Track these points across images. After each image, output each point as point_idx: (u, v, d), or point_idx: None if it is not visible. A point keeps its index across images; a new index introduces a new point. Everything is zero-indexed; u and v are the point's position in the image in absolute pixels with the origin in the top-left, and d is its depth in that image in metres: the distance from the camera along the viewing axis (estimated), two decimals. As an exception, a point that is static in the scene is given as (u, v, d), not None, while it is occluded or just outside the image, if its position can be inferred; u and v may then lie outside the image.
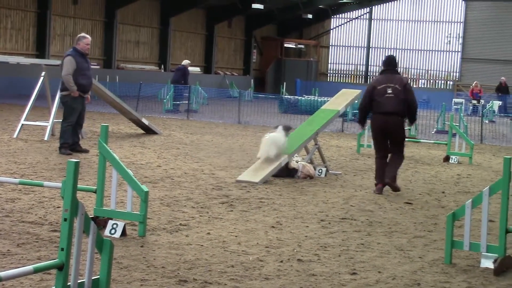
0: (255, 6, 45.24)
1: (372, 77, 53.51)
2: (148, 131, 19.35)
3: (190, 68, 45.64)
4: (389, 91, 11.46)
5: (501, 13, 48.43)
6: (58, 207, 8.79)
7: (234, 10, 47.70)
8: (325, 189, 11.76)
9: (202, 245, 7.46)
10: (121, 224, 7.63)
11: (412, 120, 11.94)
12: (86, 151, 14.36)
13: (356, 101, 21.76)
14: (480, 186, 12.81)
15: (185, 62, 32.15)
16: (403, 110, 11.56)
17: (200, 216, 8.98)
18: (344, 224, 9.00)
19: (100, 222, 7.70)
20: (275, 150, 12.41)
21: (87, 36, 14.36)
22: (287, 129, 12.86)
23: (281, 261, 7.03)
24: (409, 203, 10.81)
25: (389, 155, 11.77)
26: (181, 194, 10.43)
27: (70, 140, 14.27)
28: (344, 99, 14.47)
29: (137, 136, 18.63)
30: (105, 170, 7.84)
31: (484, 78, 46.87)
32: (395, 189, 11.57)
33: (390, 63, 11.87)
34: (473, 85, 41.84)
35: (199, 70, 46.58)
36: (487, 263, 7.16)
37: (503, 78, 42.64)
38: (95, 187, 7.95)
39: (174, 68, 34.29)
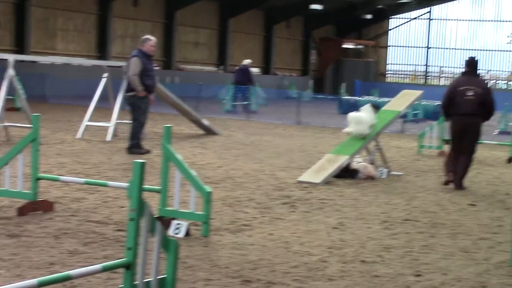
0: (313, 6, 45.18)
1: (442, 77, 53.01)
2: (209, 131, 19.47)
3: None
4: (469, 93, 11.80)
5: None
6: (122, 207, 8.91)
7: (293, 11, 47.72)
8: (386, 190, 11.69)
9: (265, 245, 7.48)
10: (185, 224, 7.69)
11: (487, 120, 12.05)
12: (148, 152, 14.52)
13: (417, 102, 21.61)
14: (545, 188, 12.61)
15: (247, 61, 32.00)
16: (482, 112, 11.88)
17: (262, 216, 9.00)
18: (407, 226, 8.93)
19: (164, 222, 7.77)
20: (362, 127, 12.93)
21: (152, 38, 14.51)
22: (375, 107, 13.37)
23: (345, 262, 7.01)
24: (473, 205, 10.67)
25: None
26: (242, 194, 10.47)
27: (139, 140, 14.51)
28: (405, 100, 14.36)
29: (197, 136, 18.76)
30: (169, 170, 7.92)
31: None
32: (459, 188, 11.97)
33: (471, 65, 12.13)
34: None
35: (258, 71, 46.71)
36: (555, 266, 7.02)
37: None
38: (159, 187, 8.03)
39: (234, 69, 34.26)
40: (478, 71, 12.24)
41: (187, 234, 7.65)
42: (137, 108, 14.40)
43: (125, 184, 8.32)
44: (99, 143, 15.96)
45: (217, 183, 11.35)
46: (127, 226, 4.75)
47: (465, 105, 11.77)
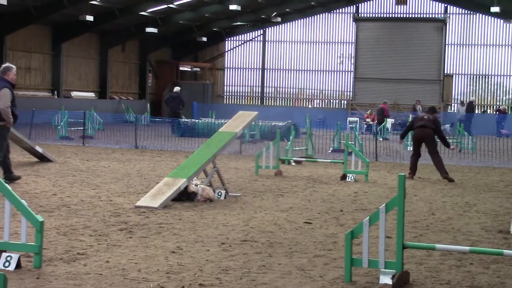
0: (149, 30, 45.02)
1: (268, 98, 54.15)
2: (42, 159, 18.93)
3: (84, 94, 45.16)
4: (425, 117, 17.89)
5: (388, 33, 49.64)
6: None
7: (128, 34, 47.34)
8: (224, 211, 11.73)
9: (101, 274, 7.30)
10: (15, 256, 7.39)
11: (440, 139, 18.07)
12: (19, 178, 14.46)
13: (254, 123, 21.88)
14: (377, 203, 13.04)
15: (177, 89, 35.14)
16: (433, 128, 17.68)
17: (98, 244, 8.79)
18: (245, 246, 8.97)
19: (-7, 255, 7.46)
20: None
21: (13, 66, 14.18)
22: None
23: (183, 287, 6.93)
24: (309, 223, 10.88)
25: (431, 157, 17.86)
26: (78, 222, 10.21)
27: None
28: (241, 121, 14.53)
29: (30, 164, 18.19)
30: (-2, 201, 7.60)
31: (376, 97, 48.03)
32: (450, 180, 17.10)
33: (430, 109, 18.67)
34: (367, 113, 43.23)
35: (94, 96, 46.00)
36: (386, 279, 7.25)
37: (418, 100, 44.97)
38: (-13, 219, 7.69)
39: (166, 97, 36.54)
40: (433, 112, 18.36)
41: (18, 266, 7.35)
42: (2, 139, 14.01)
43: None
44: None
45: (51, 211, 11.01)
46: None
47: (421, 121, 17.68)
